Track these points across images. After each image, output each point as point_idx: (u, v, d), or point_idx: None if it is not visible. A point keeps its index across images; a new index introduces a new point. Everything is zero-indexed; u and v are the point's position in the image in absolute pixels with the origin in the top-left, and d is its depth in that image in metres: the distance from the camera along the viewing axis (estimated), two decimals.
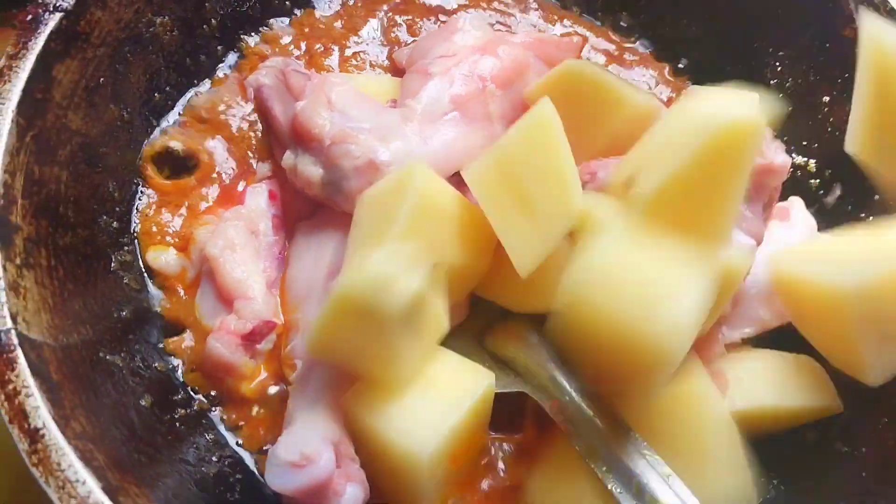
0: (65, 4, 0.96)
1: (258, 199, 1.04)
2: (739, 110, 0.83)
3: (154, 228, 1.04)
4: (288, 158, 1.00)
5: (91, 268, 0.95)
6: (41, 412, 0.75)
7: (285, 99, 1.06)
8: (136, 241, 1.04)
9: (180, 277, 1.03)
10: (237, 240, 1.00)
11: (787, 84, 1.20)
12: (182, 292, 1.02)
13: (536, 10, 1.31)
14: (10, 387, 0.75)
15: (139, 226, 1.04)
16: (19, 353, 0.77)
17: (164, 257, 1.03)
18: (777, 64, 1.20)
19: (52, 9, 0.95)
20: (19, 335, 0.78)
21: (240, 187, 1.08)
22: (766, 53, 1.21)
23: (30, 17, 0.94)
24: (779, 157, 0.95)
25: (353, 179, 0.95)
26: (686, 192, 0.84)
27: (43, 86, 0.93)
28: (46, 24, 0.94)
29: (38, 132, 0.91)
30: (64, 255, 0.91)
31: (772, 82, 1.21)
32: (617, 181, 0.90)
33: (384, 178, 0.94)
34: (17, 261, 0.83)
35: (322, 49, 1.18)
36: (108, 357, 0.89)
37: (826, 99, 1.15)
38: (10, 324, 0.78)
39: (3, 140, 0.86)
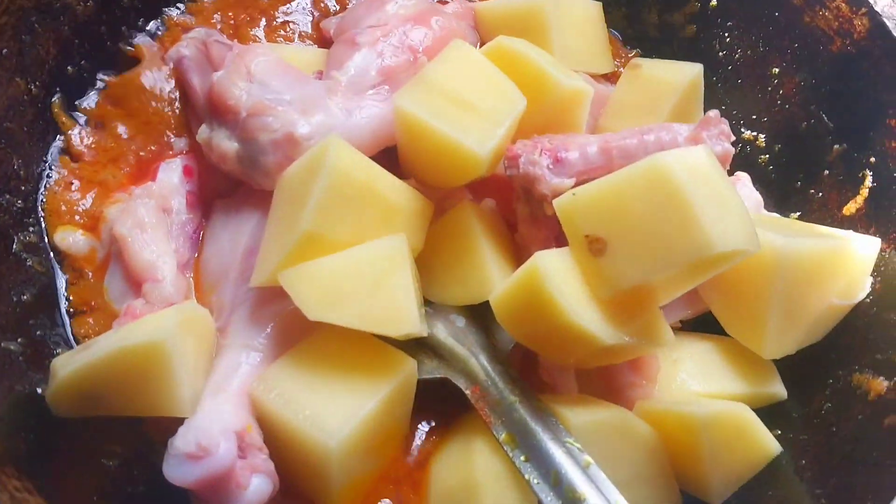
0: None
1: (171, 175, 1.00)
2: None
3: (63, 207, 0.99)
4: (203, 132, 0.96)
5: None
6: None
7: (205, 71, 1.02)
8: (42, 221, 0.98)
9: (89, 259, 0.98)
10: (147, 218, 0.95)
11: (737, 56, 1.15)
12: (90, 275, 0.97)
13: None
14: None
15: (46, 205, 0.99)
16: None
17: (71, 238, 0.98)
18: (726, 34, 1.15)
19: None
20: None
21: (153, 163, 1.03)
22: (715, 24, 1.16)
23: None
24: (718, 147, 0.91)
25: (270, 154, 0.90)
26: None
27: None
28: None
29: None
30: None
31: (720, 54, 1.16)
32: (574, 229, 0.84)
33: (302, 156, 0.90)
34: None
35: (248, 19, 1.13)
36: (1, 344, 0.84)
37: (776, 70, 1.11)
38: None
39: None
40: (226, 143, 0.94)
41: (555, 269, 0.81)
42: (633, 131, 0.93)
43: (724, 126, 0.93)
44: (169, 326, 0.79)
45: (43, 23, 1.00)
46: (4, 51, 0.95)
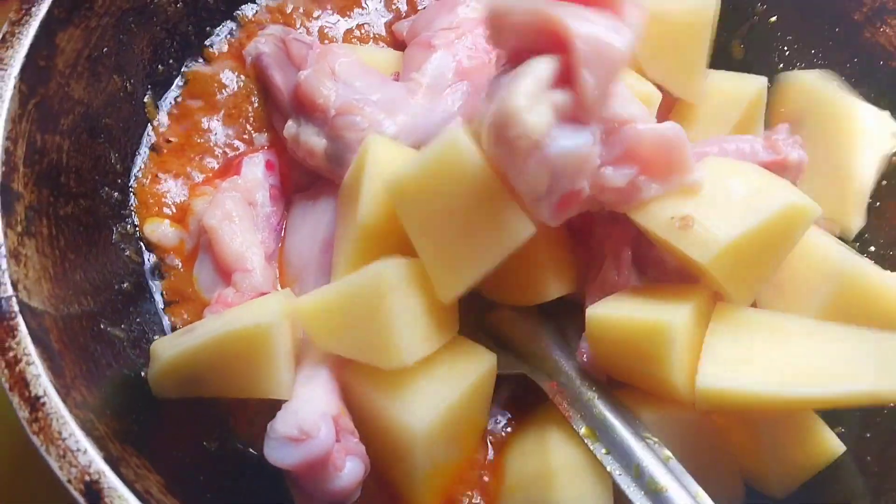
0: None
1: (255, 170, 1.04)
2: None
3: (151, 200, 1.03)
4: (290, 128, 1.00)
5: (92, 239, 0.94)
6: (42, 380, 0.74)
7: (286, 68, 1.05)
8: (134, 212, 1.03)
9: (178, 249, 1.02)
10: (235, 211, 0.99)
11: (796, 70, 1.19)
12: (180, 264, 1.01)
13: None
14: (11, 354, 0.75)
15: (137, 197, 1.03)
16: (20, 320, 0.76)
17: (161, 229, 1.02)
18: (785, 49, 1.19)
19: None
20: (20, 303, 0.77)
21: (237, 157, 1.07)
22: (775, 37, 1.20)
23: None
24: (793, 154, 0.95)
25: (356, 152, 0.94)
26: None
27: (46, 53, 0.92)
28: None
29: (40, 100, 0.90)
30: (65, 224, 0.90)
31: (779, 66, 1.20)
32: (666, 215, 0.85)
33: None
34: (19, 228, 0.83)
35: (324, 20, 1.17)
36: (108, 329, 0.89)
37: None
38: (10, 291, 0.77)
39: (6, 106, 0.85)
40: (314, 140, 0.98)
41: None
42: (712, 141, 0.97)
43: (798, 136, 0.98)
44: (274, 312, 0.84)
45: (138, 23, 1.04)
46: (105, 49, 0.99)
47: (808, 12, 1.15)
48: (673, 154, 0.84)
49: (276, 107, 1.07)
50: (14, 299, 0.77)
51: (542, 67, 0.75)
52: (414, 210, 0.83)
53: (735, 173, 0.88)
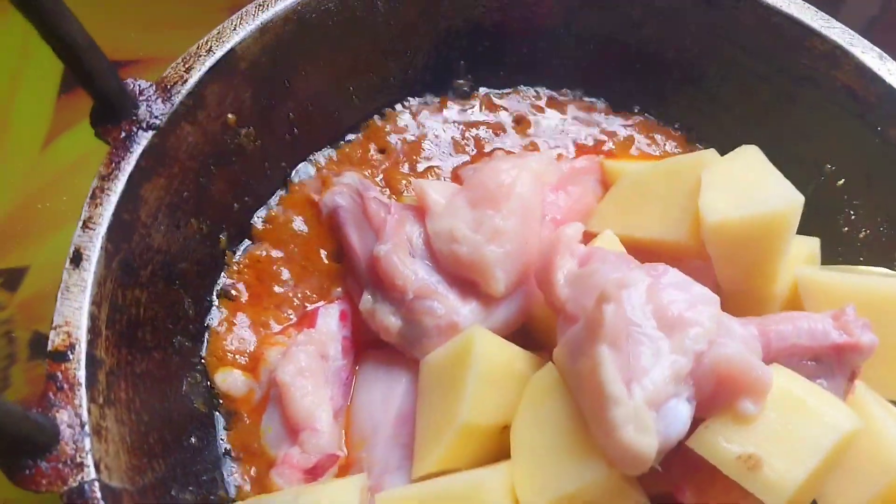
0: (157, 122, 0.95)
1: (330, 322, 1.04)
2: None
3: (224, 347, 1.03)
4: (366, 302, 1.00)
5: (164, 393, 0.94)
6: None
7: (362, 227, 1.05)
8: (204, 361, 1.03)
9: (247, 400, 1.02)
10: (307, 365, 0.99)
11: (861, 234, 1.19)
12: (247, 417, 1.01)
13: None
14: None
15: (209, 346, 1.03)
16: None
17: (231, 378, 1.02)
18: (851, 213, 1.20)
19: (145, 126, 0.94)
20: (102, 486, 0.77)
21: (314, 309, 1.07)
22: (842, 199, 1.20)
23: (123, 134, 0.93)
24: (865, 337, 0.95)
25: (434, 338, 0.95)
26: None
27: (131, 206, 0.92)
28: (139, 143, 0.93)
29: (123, 256, 0.90)
30: (141, 383, 0.90)
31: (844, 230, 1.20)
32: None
33: (444, 345, 0.94)
34: (100, 400, 0.82)
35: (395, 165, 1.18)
36: (178, 495, 0.88)
37: None
38: (94, 474, 0.76)
39: (93, 269, 0.85)
40: (390, 319, 0.98)
41: None
42: (782, 317, 0.97)
43: (866, 318, 0.98)
44: (352, 499, 0.83)
45: (218, 164, 1.04)
46: (185, 194, 0.99)
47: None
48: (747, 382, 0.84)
49: (350, 265, 1.07)
50: (97, 483, 0.76)
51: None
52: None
53: (792, 397, 0.87)
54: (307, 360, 0.99)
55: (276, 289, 1.08)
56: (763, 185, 1.00)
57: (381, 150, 1.20)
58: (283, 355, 1.00)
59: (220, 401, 1.02)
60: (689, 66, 1.25)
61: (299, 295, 1.08)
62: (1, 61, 1.48)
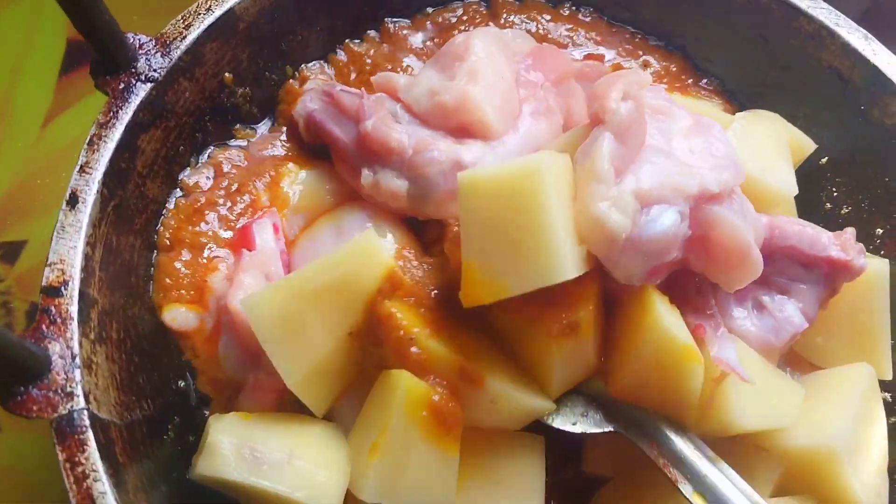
0: (156, 75, 0.97)
1: (266, 238, 1.01)
2: None
3: (168, 281, 0.99)
4: (367, 177, 1.00)
5: (156, 339, 0.96)
6: (108, 499, 0.76)
7: (340, 120, 1.05)
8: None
9: (199, 332, 0.99)
10: (255, 288, 0.96)
11: (842, 211, 1.22)
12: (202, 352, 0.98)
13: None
14: (80, 469, 0.77)
15: (155, 283, 1.00)
16: (90, 434, 0.78)
17: (179, 315, 0.98)
18: (833, 189, 1.22)
19: (143, 79, 0.97)
20: (91, 415, 0.79)
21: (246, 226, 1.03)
22: (825, 177, 1.23)
23: (122, 85, 0.96)
24: (859, 260, 0.98)
25: (441, 184, 0.97)
26: None
27: (127, 155, 0.95)
28: (137, 95, 0.96)
29: (119, 202, 0.93)
30: (132, 326, 0.93)
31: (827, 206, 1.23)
32: None
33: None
34: (92, 336, 0.85)
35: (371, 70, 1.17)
36: (164, 435, 0.91)
37: (879, 231, 1.17)
38: (83, 403, 0.79)
39: (88, 211, 0.88)
40: (395, 183, 0.99)
41: None
42: (786, 220, 1.01)
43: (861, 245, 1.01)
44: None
45: (214, 121, 1.07)
46: (181, 148, 1.02)
47: None
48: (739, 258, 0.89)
49: (341, 160, 1.06)
50: (86, 412, 0.79)
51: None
52: (476, 210, 0.82)
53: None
54: (254, 283, 0.97)
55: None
56: None
57: None
58: (232, 283, 0.98)
59: (177, 339, 0.99)
60: (680, 44, 1.28)
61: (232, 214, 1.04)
62: (6, 45, 1.51)
